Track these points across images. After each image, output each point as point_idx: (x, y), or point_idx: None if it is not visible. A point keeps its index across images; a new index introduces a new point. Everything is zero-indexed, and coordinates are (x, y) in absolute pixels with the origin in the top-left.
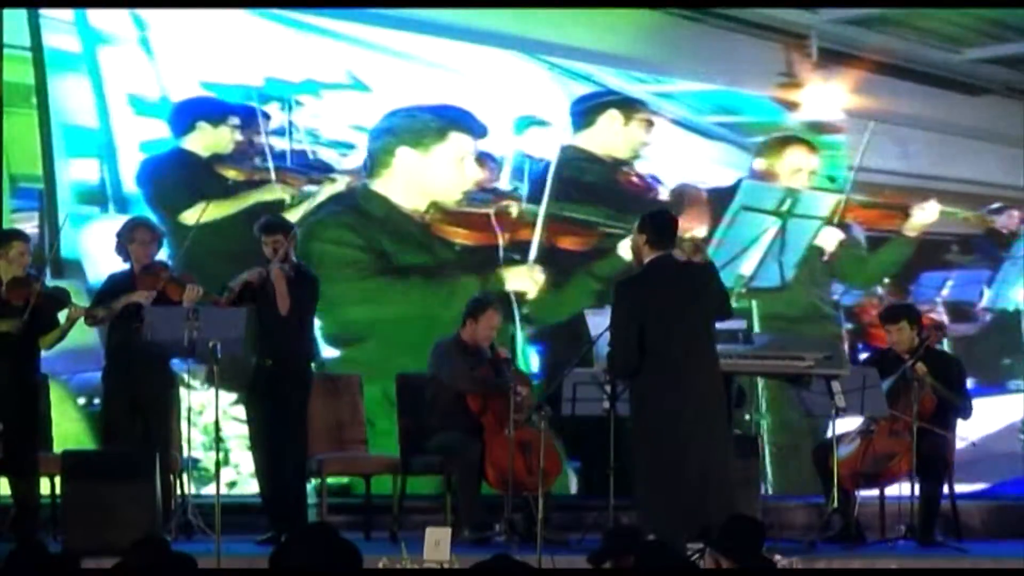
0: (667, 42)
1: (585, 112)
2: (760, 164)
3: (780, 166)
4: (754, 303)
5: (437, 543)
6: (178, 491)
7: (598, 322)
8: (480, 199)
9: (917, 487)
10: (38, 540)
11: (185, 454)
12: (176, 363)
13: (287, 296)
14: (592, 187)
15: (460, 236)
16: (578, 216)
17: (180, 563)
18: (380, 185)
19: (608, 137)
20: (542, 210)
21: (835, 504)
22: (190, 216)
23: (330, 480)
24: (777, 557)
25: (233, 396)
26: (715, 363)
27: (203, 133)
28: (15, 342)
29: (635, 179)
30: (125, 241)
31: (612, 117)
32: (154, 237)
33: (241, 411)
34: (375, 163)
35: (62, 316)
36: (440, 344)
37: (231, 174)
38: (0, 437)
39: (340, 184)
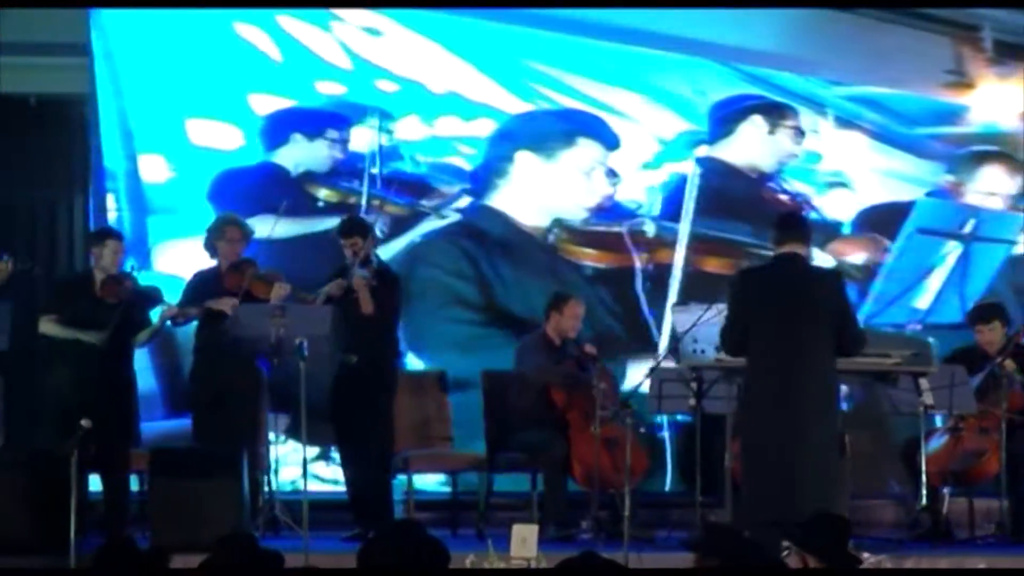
0: (818, 39)
1: (725, 119)
2: (948, 181)
3: (972, 186)
4: (930, 340)
5: (524, 540)
6: (265, 488)
7: (683, 319)
8: (609, 217)
9: (1007, 484)
10: (127, 536)
11: (272, 451)
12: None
13: (370, 301)
14: (733, 203)
15: (590, 257)
16: (721, 235)
17: (267, 559)
18: (497, 199)
19: (751, 147)
20: (684, 228)
21: (924, 502)
22: (262, 228)
23: (416, 477)
24: (865, 555)
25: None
26: (825, 367)
27: (296, 147)
28: (109, 338)
29: (782, 197)
30: (214, 238)
31: (756, 124)
32: (243, 235)
33: None
34: (491, 172)
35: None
36: (525, 340)
37: (323, 194)
38: (89, 434)
39: (450, 216)
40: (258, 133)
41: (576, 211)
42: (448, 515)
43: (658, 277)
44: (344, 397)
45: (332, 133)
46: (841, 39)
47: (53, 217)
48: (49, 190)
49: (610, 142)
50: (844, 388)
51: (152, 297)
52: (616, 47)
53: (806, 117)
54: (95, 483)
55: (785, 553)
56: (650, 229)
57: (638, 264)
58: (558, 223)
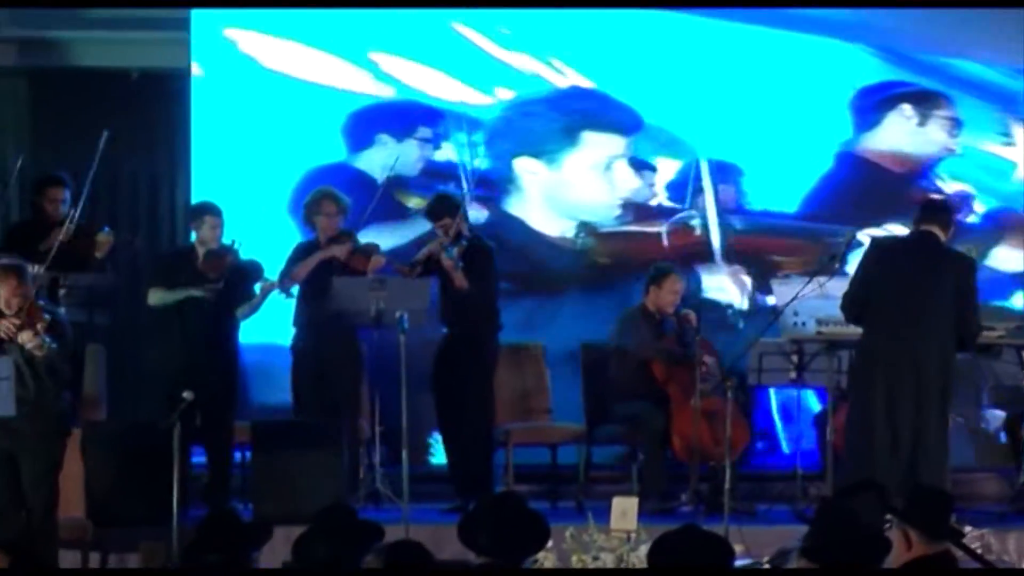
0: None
1: (870, 108)
2: None
3: None
4: None
5: (624, 512)
6: (366, 460)
7: (784, 292)
8: (646, 214)
9: None
10: (230, 508)
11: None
12: None
13: (462, 277)
14: (877, 202)
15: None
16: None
17: (367, 531)
18: (514, 206)
19: (898, 140)
20: (713, 227)
21: None
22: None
23: (515, 450)
24: (967, 528)
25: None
26: (944, 342)
27: (383, 149)
28: (211, 312)
29: (936, 197)
30: (311, 212)
31: (904, 114)
32: (340, 209)
33: None
34: (503, 178)
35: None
36: (625, 313)
37: (413, 202)
38: (192, 406)
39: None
40: (340, 132)
41: (603, 211)
42: (548, 488)
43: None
44: (444, 370)
45: (424, 131)
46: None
47: (155, 192)
48: (151, 165)
49: (625, 123)
50: None
51: (253, 272)
52: (736, 26)
53: (996, 113)
54: (198, 455)
55: (887, 526)
56: (697, 225)
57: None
58: (585, 228)
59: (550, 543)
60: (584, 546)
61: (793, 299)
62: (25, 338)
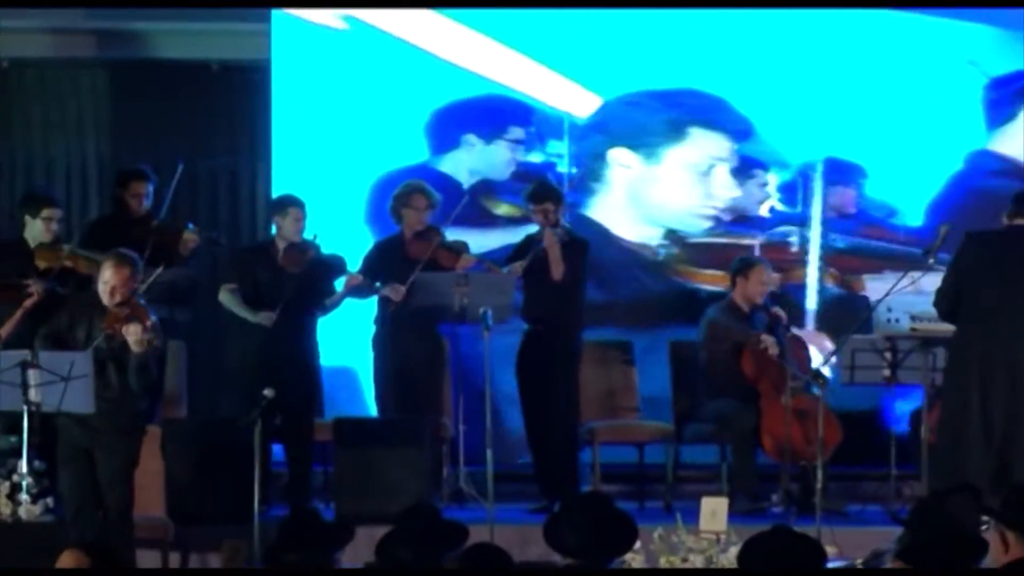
0: None
1: (1003, 101)
2: None
3: None
4: None
5: (713, 513)
6: (449, 459)
7: (877, 287)
8: (741, 227)
9: None
10: (311, 507)
11: (458, 422)
12: None
13: (561, 261)
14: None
15: (707, 279)
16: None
17: (452, 532)
18: (593, 208)
19: None
20: (815, 241)
21: None
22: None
23: (602, 448)
24: None
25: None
26: None
27: (470, 151)
28: (291, 308)
29: None
30: (400, 205)
31: None
32: (430, 204)
33: None
34: (584, 175)
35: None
36: (711, 308)
37: (502, 210)
38: (273, 404)
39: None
40: (423, 132)
41: (693, 221)
42: (635, 487)
43: (783, 302)
44: (529, 367)
45: (515, 132)
46: None
47: (235, 185)
48: (231, 157)
49: (737, 130)
50: None
51: (335, 266)
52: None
53: None
54: (279, 453)
55: (984, 528)
56: (795, 242)
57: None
58: (671, 236)
59: (638, 544)
60: (673, 547)
61: (886, 295)
62: (132, 331)
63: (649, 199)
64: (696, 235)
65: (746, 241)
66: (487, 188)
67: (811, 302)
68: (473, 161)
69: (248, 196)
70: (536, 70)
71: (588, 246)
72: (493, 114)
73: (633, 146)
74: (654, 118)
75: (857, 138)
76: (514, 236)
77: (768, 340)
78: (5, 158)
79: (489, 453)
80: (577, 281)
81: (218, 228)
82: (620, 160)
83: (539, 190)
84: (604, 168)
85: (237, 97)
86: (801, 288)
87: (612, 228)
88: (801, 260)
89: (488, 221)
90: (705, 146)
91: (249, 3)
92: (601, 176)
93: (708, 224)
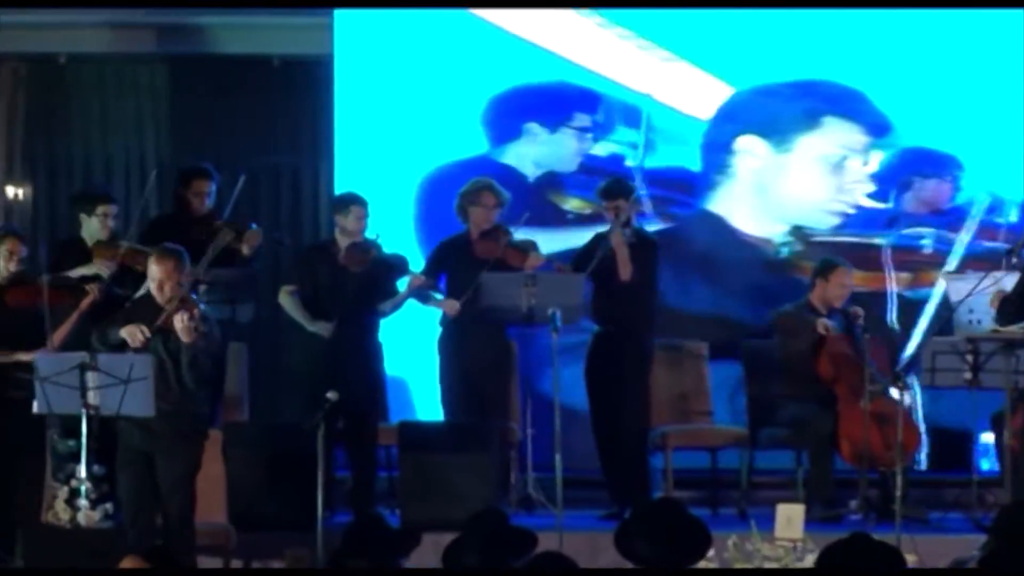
0: None
1: None
2: None
3: None
4: None
5: (789, 520)
6: (517, 464)
7: (959, 287)
8: (869, 225)
9: None
10: (376, 513)
11: (526, 426)
12: None
13: (629, 262)
14: None
15: None
16: None
17: (520, 539)
18: (715, 202)
19: None
20: (959, 247)
21: None
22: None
23: (674, 454)
24: None
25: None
26: None
27: (533, 141)
28: (353, 308)
29: None
30: (467, 203)
31: None
32: (499, 203)
33: None
34: (711, 167)
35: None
36: (786, 309)
37: (571, 204)
38: (336, 407)
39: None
40: (480, 122)
41: (821, 217)
42: (708, 493)
43: (911, 306)
44: (598, 369)
45: (582, 119)
46: None
47: (297, 183)
48: (293, 155)
49: (873, 124)
50: None
51: (398, 266)
52: None
53: None
54: (342, 458)
55: None
56: (928, 244)
57: (893, 287)
58: (797, 232)
59: (711, 552)
60: (747, 555)
61: (968, 295)
62: (179, 319)
63: (776, 191)
64: (823, 232)
65: (876, 240)
66: (554, 181)
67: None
68: (538, 152)
69: (310, 195)
70: (622, 48)
71: (657, 246)
72: (556, 101)
73: (764, 134)
74: (788, 107)
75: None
76: (583, 235)
77: (824, 323)
78: (63, 156)
79: (558, 458)
80: (647, 282)
81: (280, 228)
82: (749, 148)
83: (611, 186)
84: (730, 158)
85: (299, 93)
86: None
87: (733, 222)
88: (934, 263)
89: (556, 220)
90: (840, 136)
91: (307, 3)
92: (726, 167)
93: (836, 221)
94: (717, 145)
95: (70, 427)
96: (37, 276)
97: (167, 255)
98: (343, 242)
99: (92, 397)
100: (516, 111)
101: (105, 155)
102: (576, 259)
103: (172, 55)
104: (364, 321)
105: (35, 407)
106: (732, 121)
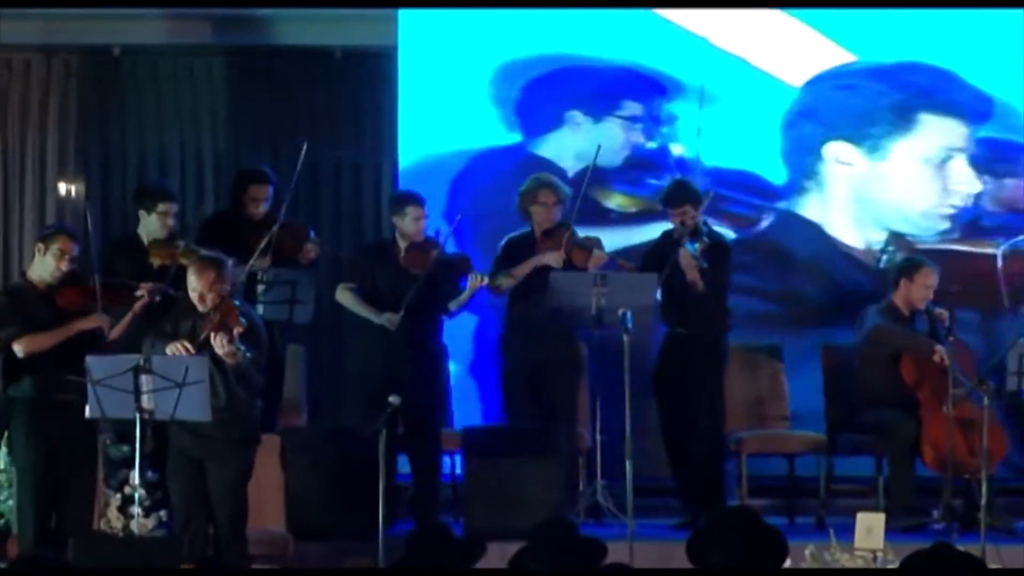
0: None
1: None
2: None
3: None
4: None
5: (869, 529)
6: (586, 471)
7: None
8: (976, 231)
9: None
10: (439, 521)
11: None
12: None
13: (700, 280)
14: None
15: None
16: None
17: (589, 549)
18: (805, 207)
19: None
20: None
21: None
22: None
23: (750, 460)
24: None
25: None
26: None
27: (575, 132)
28: (415, 310)
29: None
30: (527, 202)
31: None
32: (559, 199)
33: None
34: (795, 170)
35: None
36: (868, 310)
37: (617, 202)
38: (398, 411)
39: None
40: (514, 111)
41: (926, 223)
42: (785, 502)
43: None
44: (670, 373)
45: (631, 107)
46: None
47: (359, 179)
48: (355, 150)
49: (974, 111)
50: None
51: (460, 266)
52: None
53: None
54: (404, 464)
55: None
56: None
57: (1005, 300)
58: (895, 240)
59: (788, 562)
60: (825, 565)
61: None
62: (218, 343)
63: (874, 198)
64: (928, 240)
65: (987, 250)
66: (595, 176)
67: None
68: (580, 143)
69: (372, 191)
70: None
71: (730, 250)
72: (602, 86)
73: (853, 140)
74: (875, 104)
75: None
76: (630, 236)
77: (942, 351)
78: (117, 150)
79: (628, 465)
80: (719, 284)
81: (341, 225)
82: (839, 156)
83: (676, 192)
84: (819, 164)
85: (361, 86)
86: None
87: (829, 228)
88: None
89: (599, 218)
90: (938, 135)
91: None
92: (815, 173)
93: (944, 226)
94: (802, 149)
95: (123, 432)
96: (89, 275)
97: (207, 266)
98: (403, 243)
99: (146, 401)
100: (556, 98)
101: (160, 150)
102: (644, 257)
103: (230, 46)
104: (427, 323)
105: (87, 411)
106: (813, 120)
